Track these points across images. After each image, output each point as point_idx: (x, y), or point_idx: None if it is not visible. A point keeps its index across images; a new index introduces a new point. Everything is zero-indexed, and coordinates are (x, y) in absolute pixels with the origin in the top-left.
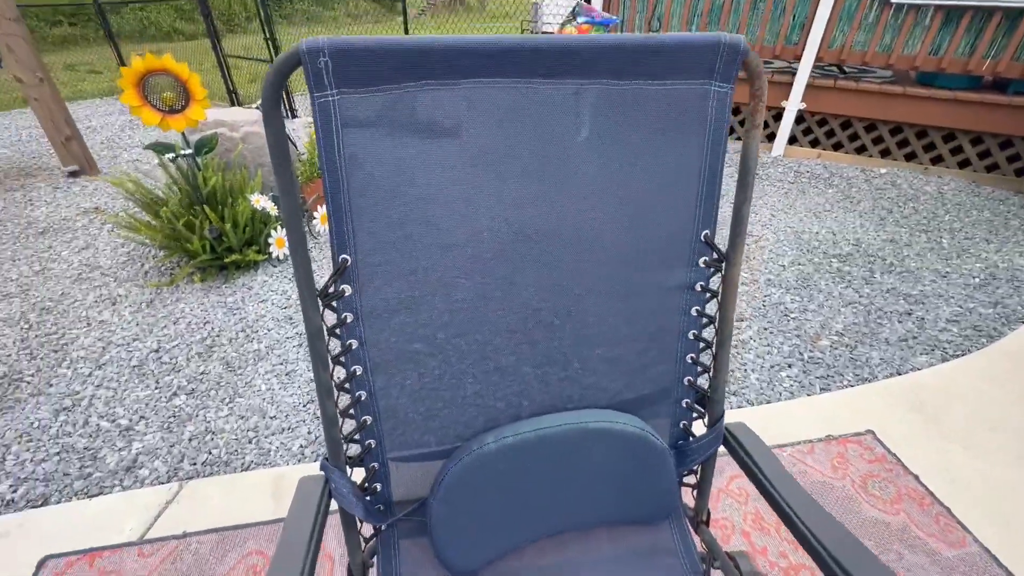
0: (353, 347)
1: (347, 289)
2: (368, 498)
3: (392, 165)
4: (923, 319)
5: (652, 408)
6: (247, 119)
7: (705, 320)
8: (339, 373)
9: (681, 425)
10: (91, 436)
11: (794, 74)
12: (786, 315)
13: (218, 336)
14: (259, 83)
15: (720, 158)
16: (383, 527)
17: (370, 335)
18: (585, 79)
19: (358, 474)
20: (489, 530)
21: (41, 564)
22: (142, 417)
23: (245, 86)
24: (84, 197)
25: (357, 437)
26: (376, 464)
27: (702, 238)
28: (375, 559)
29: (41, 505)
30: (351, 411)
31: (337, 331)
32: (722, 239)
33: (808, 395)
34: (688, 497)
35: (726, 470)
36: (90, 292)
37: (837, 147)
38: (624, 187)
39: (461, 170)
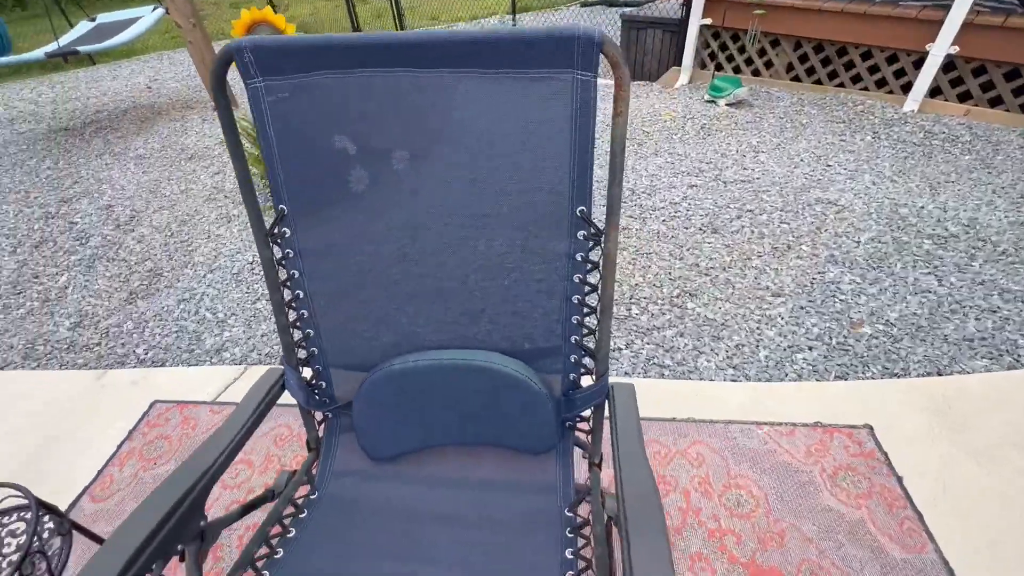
0: (295, 276)
1: (287, 231)
2: (317, 394)
3: (308, 132)
4: (1008, 319)
5: (545, 361)
6: None
7: (588, 288)
8: (288, 294)
9: (571, 377)
10: (198, 323)
11: (947, 8)
12: (834, 295)
13: None
14: (384, 19)
15: (588, 140)
16: (328, 415)
17: (307, 267)
18: (462, 69)
19: (309, 374)
20: (396, 429)
21: (151, 406)
22: (233, 314)
23: (371, 21)
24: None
25: (303, 345)
26: (319, 367)
27: (578, 213)
28: (322, 439)
29: (159, 366)
30: (297, 324)
31: (283, 262)
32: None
33: (818, 380)
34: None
35: (690, 434)
36: (214, 210)
37: (995, 103)
38: (512, 163)
39: (365, 140)
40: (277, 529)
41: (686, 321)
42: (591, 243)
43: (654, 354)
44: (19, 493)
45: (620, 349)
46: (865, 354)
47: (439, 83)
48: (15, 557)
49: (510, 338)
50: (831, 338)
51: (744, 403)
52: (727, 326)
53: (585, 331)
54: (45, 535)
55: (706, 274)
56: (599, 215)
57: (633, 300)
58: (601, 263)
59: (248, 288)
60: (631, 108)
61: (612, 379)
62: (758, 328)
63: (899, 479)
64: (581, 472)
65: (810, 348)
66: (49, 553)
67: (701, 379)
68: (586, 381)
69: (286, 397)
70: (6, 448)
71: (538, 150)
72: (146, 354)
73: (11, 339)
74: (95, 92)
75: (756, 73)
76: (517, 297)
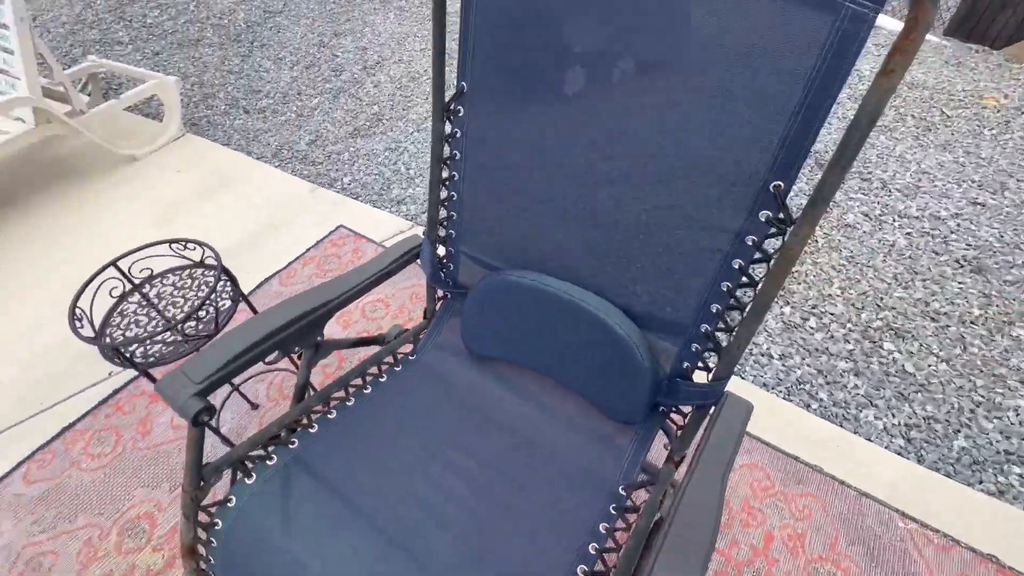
0: (456, 157)
1: (461, 110)
2: (443, 272)
3: (511, 7)
4: None
5: (664, 333)
6: None
7: (744, 280)
8: (446, 172)
9: (684, 366)
10: (393, 173)
11: None
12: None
13: None
14: None
15: (829, 99)
16: (448, 295)
17: (469, 152)
18: None
19: (443, 252)
20: (497, 335)
21: (336, 228)
22: (421, 175)
23: None
24: None
25: (445, 224)
26: (452, 249)
27: (771, 188)
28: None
29: (353, 198)
30: (444, 203)
31: (449, 140)
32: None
33: (1023, 510)
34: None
35: (808, 481)
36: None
37: None
38: (722, 107)
39: (570, 35)
40: (374, 370)
41: (873, 361)
42: (771, 229)
43: (810, 380)
44: (213, 254)
45: (771, 357)
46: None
47: None
48: (197, 302)
49: (636, 296)
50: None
51: (897, 483)
52: (928, 390)
53: (721, 325)
54: (224, 294)
55: (933, 318)
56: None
57: (815, 311)
58: (775, 258)
59: None
60: (935, 76)
61: (735, 388)
62: (972, 412)
63: None
64: (660, 458)
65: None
66: (220, 308)
67: (856, 433)
68: (700, 377)
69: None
70: (239, 221)
71: (758, 95)
72: (348, 185)
73: (270, 139)
74: None
75: None
76: (662, 259)
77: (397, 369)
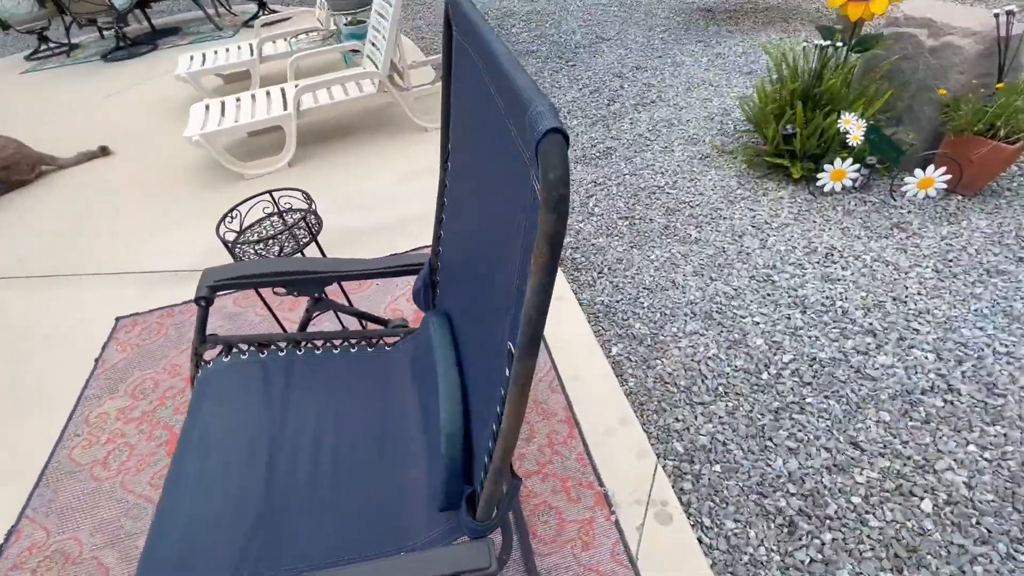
0: (444, 203)
1: (449, 165)
2: (427, 293)
3: (469, 83)
4: None
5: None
6: (968, 24)
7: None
8: (440, 213)
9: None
10: (581, 205)
11: None
12: None
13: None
14: None
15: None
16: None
17: (448, 199)
18: None
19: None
20: (419, 359)
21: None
22: (605, 217)
23: None
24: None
25: (437, 254)
26: (436, 278)
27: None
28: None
29: None
30: (438, 238)
31: (443, 186)
32: None
33: None
34: None
35: None
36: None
37: None
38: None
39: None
40: (353, 340)
41: None
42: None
43: None
44: (308, 204)
45: None
46: None
47: None
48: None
49: None
50: None
51: None
52: None
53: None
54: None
55: None
56: None
57: None
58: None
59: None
60: None
61: None
62: None
63: None
64: None
65: None
66: (300, 240)
67: None
68: None
69: None
70: None
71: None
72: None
73: None
74: None
75: None
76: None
77: (369, 350)
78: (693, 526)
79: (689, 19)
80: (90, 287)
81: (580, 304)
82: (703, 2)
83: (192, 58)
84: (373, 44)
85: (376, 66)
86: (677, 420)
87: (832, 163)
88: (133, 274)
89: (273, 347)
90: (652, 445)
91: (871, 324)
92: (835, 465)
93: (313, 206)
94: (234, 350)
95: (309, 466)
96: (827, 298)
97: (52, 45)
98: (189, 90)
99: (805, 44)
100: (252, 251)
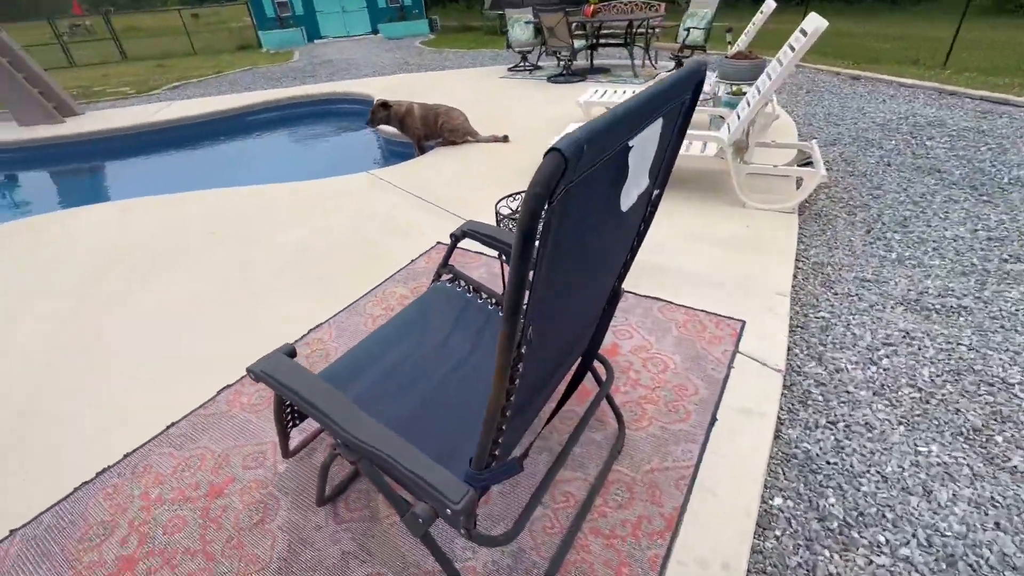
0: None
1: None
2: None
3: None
4: None
5: None
6: None
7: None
8: None
9: None
10: None
11: None
12: None
13: None
14: None
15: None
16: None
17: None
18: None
19: None
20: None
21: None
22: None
23: None
24: None
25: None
26: None
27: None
28: None
29: None
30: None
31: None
32: None
33: None
34: None
35: None
36: None
37: None
38: None
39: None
40: None
41: None
42: None
43: None
44: None
45: None
46: None
47: None
48: None
49: None
50: None
51: None
52: None
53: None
54: None
55: None
56: None
57: None
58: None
59: None
60: None
61: None
62: None
63: None
64: None
65: None
66: None
67: None
68: None
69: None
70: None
71: None
72: None
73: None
74: None
75: None
76: None
77: None
78: None
79: None
80: (448, 220)
81: (776, 437)
82: None
83: (596, 92)
84: (738, 115)
85: (728, 131)
86: None
87: None
88: (465, 219)
89: (485, 295)
90: None
91: None
92: None
93: None
94: (459, 281)
95: (450, 377)
96: None
97: (527, 64)
98: (579, 113)
99: None
100: (511, 226)
